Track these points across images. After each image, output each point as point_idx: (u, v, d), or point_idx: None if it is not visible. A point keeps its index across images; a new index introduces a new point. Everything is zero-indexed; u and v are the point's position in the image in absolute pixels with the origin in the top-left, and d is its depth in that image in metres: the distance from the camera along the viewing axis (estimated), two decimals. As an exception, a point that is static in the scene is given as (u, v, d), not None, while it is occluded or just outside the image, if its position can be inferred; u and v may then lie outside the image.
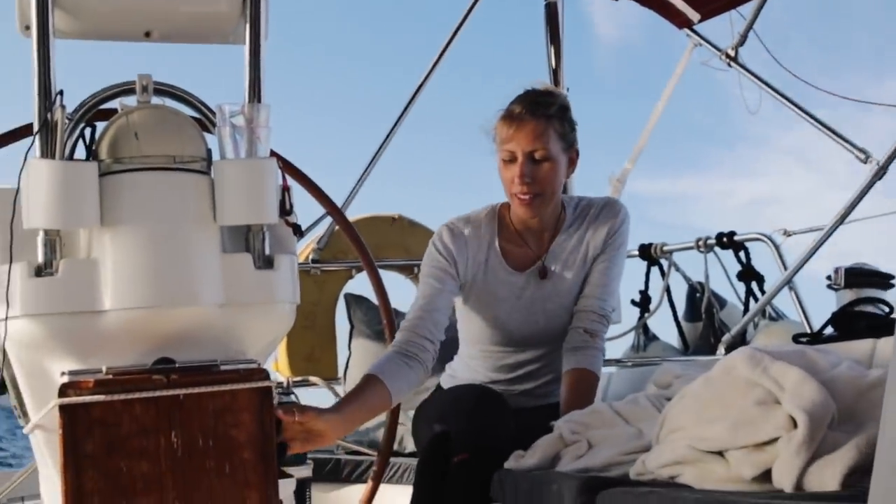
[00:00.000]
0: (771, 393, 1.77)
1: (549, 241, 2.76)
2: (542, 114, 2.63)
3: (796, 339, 2.75)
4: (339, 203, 3.59)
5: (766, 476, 1.71)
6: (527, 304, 2.74)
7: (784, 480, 1.65)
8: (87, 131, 1.85)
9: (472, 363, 2.85)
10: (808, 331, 3.52)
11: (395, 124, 4.51)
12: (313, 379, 3.92)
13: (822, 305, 3.57)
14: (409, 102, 4.52)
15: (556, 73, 4.64)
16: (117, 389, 1.69)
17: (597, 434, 2.21)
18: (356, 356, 4.09)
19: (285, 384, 3.94)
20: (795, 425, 1.67)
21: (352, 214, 4.54)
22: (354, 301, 4.20)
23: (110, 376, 1.72)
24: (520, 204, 2.64)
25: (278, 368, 4.36)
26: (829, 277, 3.12)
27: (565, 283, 2.75)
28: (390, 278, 4.67)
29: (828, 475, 1.61)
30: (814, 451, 1.65)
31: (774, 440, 1.71)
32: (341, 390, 3.98)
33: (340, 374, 4.23)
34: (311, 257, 4.47)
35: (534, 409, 2.78)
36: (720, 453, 1.79)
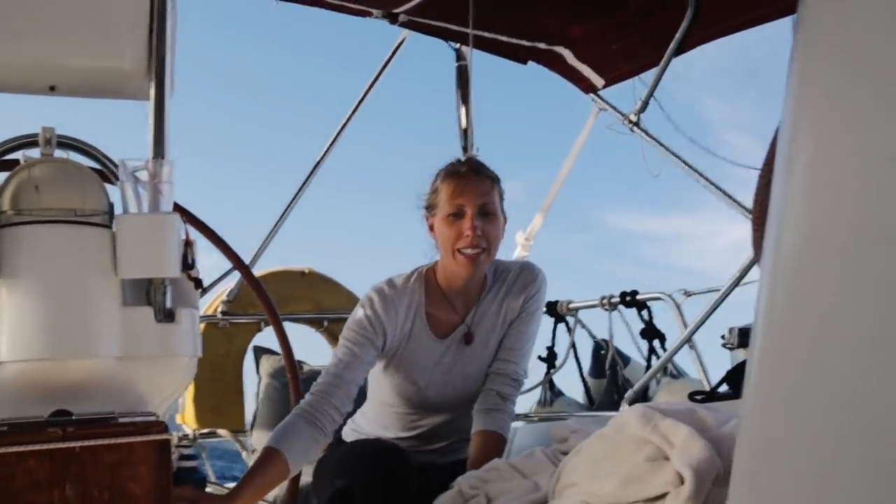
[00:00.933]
0: (660, 449, 1.83)
1: (474, 304, 2.78)
2: (487, 175, 2.70)
3: (692, 396, 2.82)
4: (247, 257, 3.61)
5: (654, 530, 1.76)
6: (445, 369, 2.76)
7: (670, 534, 1.70)
8: None
9: (383, 421, 2.85)
10: (707, 388, 3.62)
11: (307, 179, 4.55)
12: (220, 431, 3.89)
13: (725, 363, 3.68)
14: (322, 157, 4.57)
15: (466, 133, 4.74)
16: (10, 441, 1.67)
17: (494, 488, 2.24)
18: (263, 409, 4.07)
19: (191, 436, 3.92)
20: (683, 481, 1.73)
21: (263, 267, 4.56)
22: (263, 353, 4.19)
23: (4, 428, 1.70)
24: (465, 260, 2.64)
25: (185, 420, 4.32)
26: (723, 337, 3.22)
27: (482, 349, 2.78)
28: (299, 331, 4.68)
29: (711, 529, 1.66)
30: (698, 505, 1.71)
31: (663, 496, 1.76)
32: (248, 442, 3.96)
33: (248, 426, 4.21)
34: (220, 309, 4.46)
35: (442, 467, 2.80)
36: (611, 508, 1.84)
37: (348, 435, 2.94)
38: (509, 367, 2.76)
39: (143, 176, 1.86)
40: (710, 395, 2.86)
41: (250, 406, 4.29)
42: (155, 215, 1.85)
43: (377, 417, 2.88)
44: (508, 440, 3.34)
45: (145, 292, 1.90)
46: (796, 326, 0.71)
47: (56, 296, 1.76)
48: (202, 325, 4.40)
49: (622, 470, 1.85)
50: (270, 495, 3.61)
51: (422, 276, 2.79)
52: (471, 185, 2.65)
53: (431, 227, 2.75)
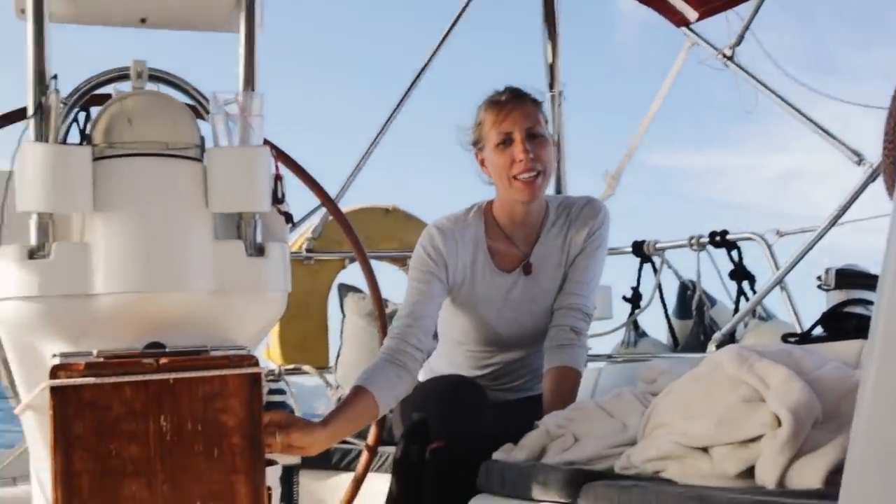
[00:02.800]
0: (756, 391, 1.79)
1: (535, 240, 2.75)
2: (529, 99, 2.68)
3: (785, 338, 2.75)
4: (333, 193, 3.61)
5: (749, 472, 1.72)
6: (514, 305, 2.73)
7: (767, 477, 1.67)
8: (82, 116, 1.85)
9: (456, 361, 2.85)
10: (798, 331, 3.54)
11: (392, 115, 4.52)
12: (305, 367, 3.92)
13: (814, 306, 3.59)
14: (406, 93, 4.54)
15: (552, 69, 4.66)
16: (108, 372, 1.69)
17: (582, 427, 2.22)
18: (348, 346, 4.10)
19: (277, 372, 3.97)
20: (780, 423, 1.69)
21: (346, 205, 4.56)
22: (347, 291, 4.20)
23: (101, 359, 1.73)
24: (523, 186, 2.61)
25: (270, 356, 4.38)
26: (819, 278, 3.13)
27: (550, 283, 2.75)
28: (383, 269, 4.70)
29: (810, 473, 1.62)
30: (797, 449, 1.66)
31: (758, 437, 1.72)
32: (332, 379, 3.99)
33: (332, 363, 4.24)
34: (304, 246, 4.48)
35: (515, 402, 2.80)
36: (705, 449, 1.81)
37: (424, 377, 2.94)
38: (578, 300, 2.73)
39: (234, 109, 1.85)
40: (804, 338, 2.79)
41: (334, 343, 4.32)
42: (245, 148, 1.85)
43: (449, 357, 2.87)
44: (593, 381, 3.33)
45: (236, 226, 1.91)
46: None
47: (149, 229, 1.76)
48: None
49: (716, 411, 1.82)
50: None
51: (481, 211, 2.77)
52: (515, 110, 2.64)
53: (482, 163, 2.73)
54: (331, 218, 4.25)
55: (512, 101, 2.66)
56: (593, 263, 2.76)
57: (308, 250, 4.48)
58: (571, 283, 2.74)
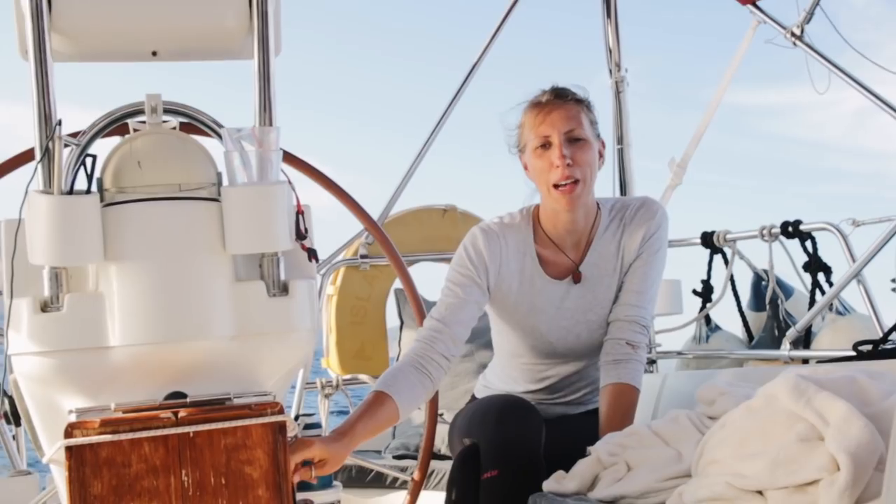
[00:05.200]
0: (814, 428, 1.66)
1: (586, 246, 2.60)
2: (572, 98, 2.53)
3: (856, 346, 2.60)
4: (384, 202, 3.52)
5: (807, 519, 1.60)
6: (568, 314, 2.59)
7: (825, 527, 1.54)
8: (90, 160, 1.78)
9: (511, 374, 2.73)
10: (877, 326, 3.37)
11: (441, 118, 4.37)
12: (363, 377, 3.86)
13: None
14: (458, 91, 4.40)
15: (612, 53, 4.50)
16: (124, 429, 1.64)
17: (634, 455, 2.11)
18: (406, 353, 4.02)
19: (335, 382, 3.93)
20: (839, 467, 1.56)
21: (403, 206, 4.46)
22: (404, 296, 4.12)
23: (119, 414, 1.68)
24: (561, 194, 2.46)
25: (329, 365, 4.31)
26: (894, 280, 2.95)
27: (605, 292, 2.59)
28: (441, 271, 4.58)
29: (872, 525, 1.49)
30: (857, 496, 1.53)
31: (817, 481, 1.60)
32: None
33: (391, 370, 4.16)
34: (360, 252, 4.39)
35: (575, 417, 2.69)
36: (760, 492, 1.69)
37: (480, 391, 2.84)
38: (634, 311, 2.57)
39: (249, 145, 1.77)
40: (876, 347, 2.62)
41: (394, 349, 4.24)
42: (262, 186, 1.76)
43: (505, 370, 2.76)
44: (657, 389, 3.20)
45: (258, 265, 1.83)
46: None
47: (163, 276, 1.71)
48: (342, 269, 4.35)
49: (771, 450, 1.69)
50: (413, 445, 3.59)
51: (529, 215, 2.62)
52: (554, 111, 2.48)
53: (526, 167, 2.59)
54: (386, 221, 4.19)
55: (552, 102, 2.51)
56: (651, 270, 2.60)
57: (363, 256, 4.39)
58: (627, 293, 2.59)
